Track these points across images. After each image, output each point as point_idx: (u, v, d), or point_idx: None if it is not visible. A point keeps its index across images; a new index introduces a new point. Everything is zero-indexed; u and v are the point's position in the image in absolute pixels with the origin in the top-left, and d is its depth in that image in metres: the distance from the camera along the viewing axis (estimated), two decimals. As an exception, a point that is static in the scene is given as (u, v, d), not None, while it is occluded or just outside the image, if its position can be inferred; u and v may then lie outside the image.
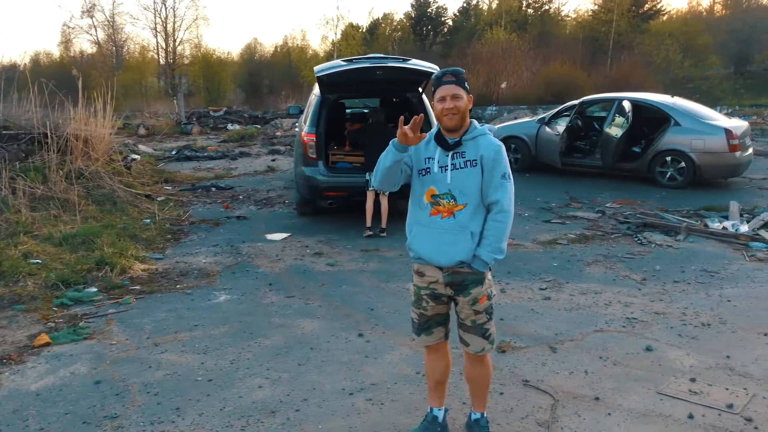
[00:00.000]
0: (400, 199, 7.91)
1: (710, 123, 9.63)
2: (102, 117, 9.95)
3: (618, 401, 3.42)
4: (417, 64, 7.30)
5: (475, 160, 2.72)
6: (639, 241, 6.93)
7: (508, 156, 9.92)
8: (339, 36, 47.91)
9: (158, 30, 47.12)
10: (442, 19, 53.65)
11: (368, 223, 7.22)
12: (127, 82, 39.52)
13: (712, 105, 19.78)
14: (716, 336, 4.34)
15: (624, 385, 3.60)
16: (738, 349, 4.09)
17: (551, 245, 6.85)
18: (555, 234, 7.27)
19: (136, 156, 12.31)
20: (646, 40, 34.16)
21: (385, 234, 7.21)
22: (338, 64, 7.24)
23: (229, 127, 21.84)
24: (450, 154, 2.76)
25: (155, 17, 46.92)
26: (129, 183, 9.37)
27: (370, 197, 7.26)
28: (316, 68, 7.30)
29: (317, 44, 62.51)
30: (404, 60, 7.39)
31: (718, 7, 50.88)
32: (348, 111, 9.95)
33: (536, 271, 5.95)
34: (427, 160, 2.81)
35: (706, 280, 5.59)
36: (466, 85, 2.76)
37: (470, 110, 2.83)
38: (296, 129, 9.64)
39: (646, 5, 43.72)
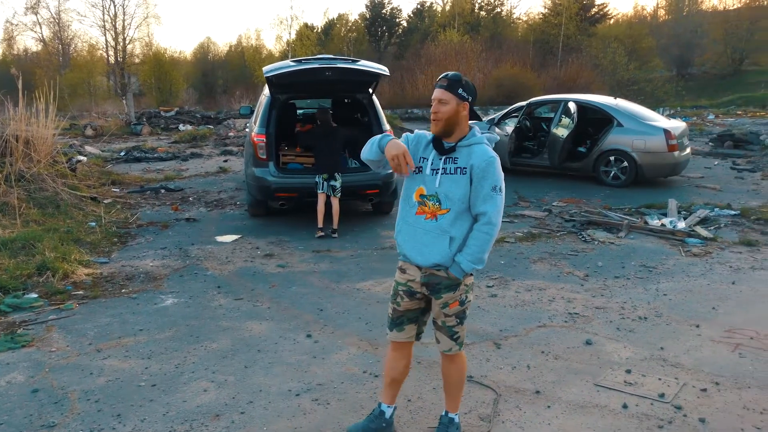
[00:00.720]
0: (352, 200, 7.96)
1: (650, 124, 9.99)
2: (45, 117, 9.62)
3: (558, 394, 3.53)
4: (366, 65, 7.34)
5: (465, 168, 2.73)
6: (583, 239, 7.15)
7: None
8: (293, 36, 47.62)
9: (107, 28, 45.80)
10: (397, 20, 53.93)
11: (320, 224, 7.22)
12: (74, 82, 38.37)
13: (655, 106, 20.56)
14: (652, 329, 4.52)
15: (564, 378, 3.73)
16: (671, 341, 4.28)
17: (499, 243, 6.98)
18: (503, 232, 7.41)
19: (82, 157, 11.96)
20: (594, 43, 35.15)
21: (336, 235, 7.22)
22: (287, 64, 7.22)
23: (181, 127, 21.41)
24: (443, 158, 2.78)
25: (103, 14, 45.64)
26: (74, 185, 9.10)
27: (321, 199, 7.26)
28: (264, 68, 7.26)
29: (272, 44, 61.93)
30: (354, 61, 7.42)
31: (661, 12, 52.86)
32: (299, 111, 9.92)
33: (484, 269, 6.00)
34: (421, 159, 2.85)
35: (645, 275, 5.81)
36: (460, 91, 2.73)
37: (469, 116, 2.82)
38: (247, 130, 9.55)
39: (594, 9, 44.99)
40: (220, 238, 7.20)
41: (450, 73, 2.80)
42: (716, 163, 12.45)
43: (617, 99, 11.05)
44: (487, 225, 2.73)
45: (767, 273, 5.81)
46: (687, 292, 5.30)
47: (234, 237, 7.25)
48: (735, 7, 45.35)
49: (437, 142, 2.82)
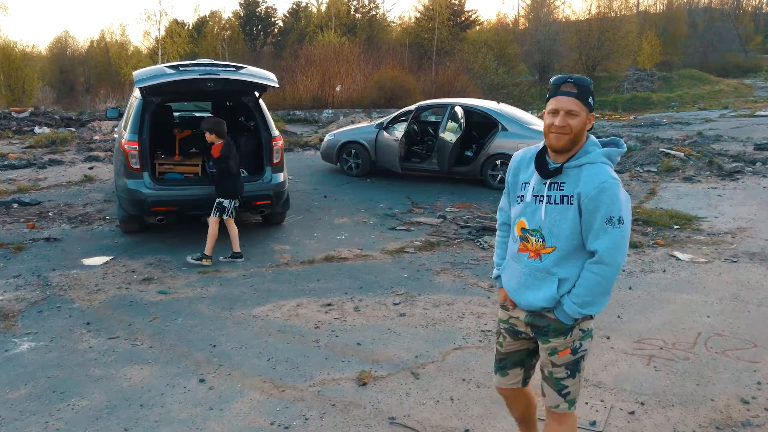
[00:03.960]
0: (242, 212, 7.29)
1: (533, 128, 10.25)
2: None
3: (488, 431, 3.27)
4: (251, 74, 6.70)
5: (572, 196, 2.22)
6: (481, 246, 7.08)
7: (349, 161, 9.45)
8: (163, 33, 44.94)
9: (-60, 17, 40.47)
10: (272, 19, 52.82)
11: (208, 252, 6.26)
12: None
13: (524, 109, 21.53)
14: (565, 343, 4.42)
15: (490, 411, 3.47)
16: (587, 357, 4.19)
17: (399, 254, 6.72)
18: (402, 242, 7.17)
19: None
20: (465, 48, 36.47)
21: (242, 258, 6.41)
22: (162, 72, 6.40)
23: (37, 130, 19.18)
24: (548, 182, 2.27)
25: (-63, 2, 40.23)
26: None
27: (215, 223, 6.26)
28: (135, 75, 6.43)
29: (139, 40, 58.21)
30: (237, 69, 6.75)
31: (523, 21, 56.09)
32: (176, 114, 9.08)
33: (387, 283, 5.75)
34: (523, 185, 2.37)
35: (547, 283, 5.78)
36: (590, 99, 2.22)
37: (588, 129, 2.27)
38: (116, 135, 8.54)
39: (463, 16, 46.78)
40: (87, 261, 6.29)
41: (573, 76, 2.24)
42: (589, 165, 13.12)
43: (500, 104, 11.26)
44: (597, 265, 2.22)
45: (657, 275, 6.01)
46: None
47: (104, 259, 6.37)
48: (585, 18, 48.96)
49: (541, 161, 2.30)
